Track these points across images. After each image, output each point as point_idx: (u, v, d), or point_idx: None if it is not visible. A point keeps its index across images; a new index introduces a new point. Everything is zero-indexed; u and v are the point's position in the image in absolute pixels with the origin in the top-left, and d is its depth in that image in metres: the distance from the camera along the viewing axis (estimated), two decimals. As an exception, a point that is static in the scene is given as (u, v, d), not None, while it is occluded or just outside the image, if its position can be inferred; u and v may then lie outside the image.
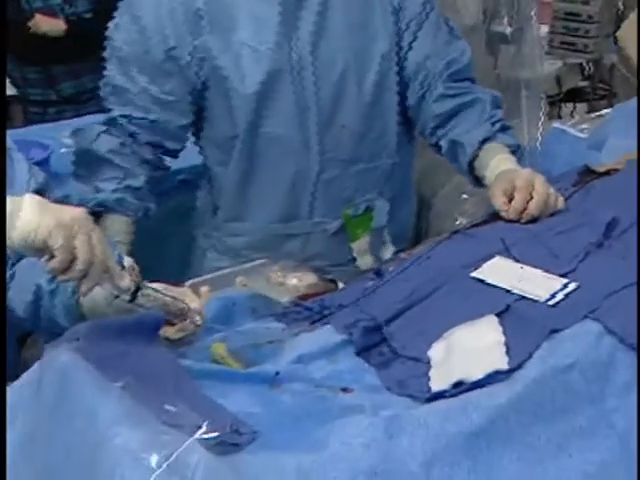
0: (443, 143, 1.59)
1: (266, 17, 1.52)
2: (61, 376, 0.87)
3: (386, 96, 1.60)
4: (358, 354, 1.07)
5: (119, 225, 1.55)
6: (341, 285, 1.39)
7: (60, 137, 2.13)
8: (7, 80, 3.30)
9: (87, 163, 1.57)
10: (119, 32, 1.56)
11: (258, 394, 0.96)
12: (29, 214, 0.93)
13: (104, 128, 1.58)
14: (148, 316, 1.00)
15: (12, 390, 0.93)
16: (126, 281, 0.99)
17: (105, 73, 1.59)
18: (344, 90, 1.57)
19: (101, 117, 1.61)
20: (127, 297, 0.99)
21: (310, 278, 1.44)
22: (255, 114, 1.54)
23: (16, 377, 1.07)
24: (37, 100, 3.29)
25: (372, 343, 1.08)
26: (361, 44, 1.57)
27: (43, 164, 1.85)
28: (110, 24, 1.58)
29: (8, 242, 0.93)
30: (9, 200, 0.94)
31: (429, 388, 0.98)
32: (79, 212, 0.96)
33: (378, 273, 1.29)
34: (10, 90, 3.27)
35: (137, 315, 1.02)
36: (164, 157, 1.63)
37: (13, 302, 1.18)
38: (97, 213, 1.52)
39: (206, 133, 1.64)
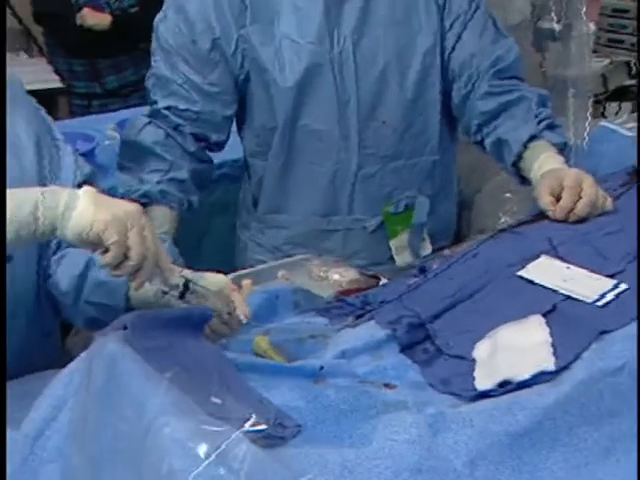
0: (488, 141, 1.57)
1: (309, 10, 1.52)
2: (109, 364, 0.88)
3: (428, 93, 1.59)
4: (402, 350, 1.07)
5: (163, 217, 1.55)
6: (383, 281, 1.39)
7: (105, 129, 2.17)
8: (54, 73, 3.36)
9: (132, 155, 1.58)
10: (165, 23, 1.57)
11: (302, 388, 0.96)
12: (85, 208, 0.93)
13: (148, 120, 1.59)
14: (196, 309, 1.01)
15: (60, 377, 0.95)
16: (176, 277, 0.99)
17: (152, 65, 1.60)
18: (385, 86, 1.56)
19: (146, 109, 1.62)
20: (176, 294, 0.99)
21: (352, 273, 1.44)
22: (294, 107, 1.54)
23: (61, 365, 1.10)
24: (82, 93, 3.34)
25: (416, 340, 1.08)
26: (404, 40, 1.56)
27: (88, 156, 1.87)
28: (157, 16, 1.59)
29: (59, 234, 0.94)
30: (60, 192, 0.94)
31: (474, 387, 0.98)
32: (133, 207, 0.96)
33: (422, 270, 1.29)
34: (56, 83, 3.32)
35: (185, 307, 1.02)
36: (208, 150, 1.64)
37: (59, 277, 1.19)
38: (142, 204, 1.54)
39: (247, 124, 1.65)
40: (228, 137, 1.66)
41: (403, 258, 1.66)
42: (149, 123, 1.58)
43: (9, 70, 1.23)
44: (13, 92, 1.23)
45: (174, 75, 1.56)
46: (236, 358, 1.01)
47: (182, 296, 0.99)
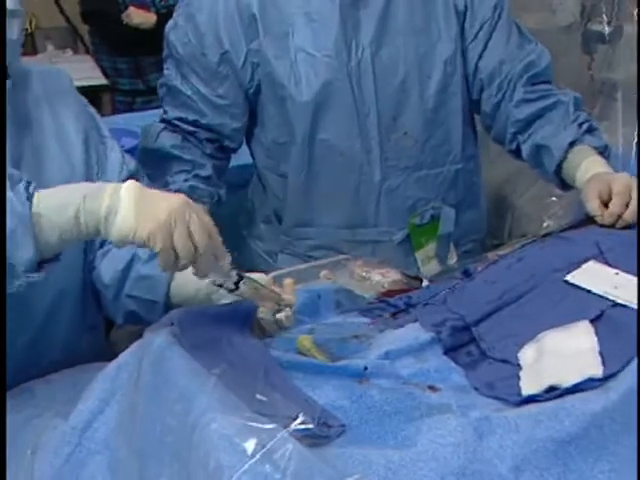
0: (525, 148, 1.55)
1: (324, 22, 1.49)
2: (157, 360, 0.89)
3: (449, 102, 1.57)
4: (445, 353, 1.06)
5: None
6: (425, 283, 1.37)
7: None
8: (99, 70, 3.41)
9: (153, 162, 1.58)
10: (176, 32, 1.55)
11: (346, 388, 0.96)
12: (127, 213, 0.91)
13: (163, 126, 1.59)
14: (242, 305, 1.00)
15: (108, 371, 0.96)
16: (230, 269, 0.98)
17: (164, 73, 1.60)
18: (405, 96, 1.53)
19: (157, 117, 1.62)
20: (231, 286, 0.98)
21: (394, 274, 1.42)
22: (312, 122, 1.52)
23: (105, 358, 1.12)
24: (126, 90, 3.39)
25: (460, 343, 1.07)
26: (423, 49, 1.53)
27: (132, 152, 1.87)
28: (168, 24, 1.58)
29: (103, 233, 0.93)
30: (102, 195, 0.92)
31: (519, 391, 0.96)
32: (177, 201, 0.93)
33: (465, 272, 1.28)
34: (101, 80, 3.37)
35: (229, 303, 1.02)
36: (222, 151, 1.63)
37: (103, 270, 1.21)
38: None
39: (257, 137, 1.63)
40: (241, 144, 1.65)
41: (429, 269, 1.64)
42: (164, 129, 1.58)
43: (58, 66, 1.24)
44: (63, 87, 1.26)
45: (184, 86, 1.56)
46: (280, 356, 1.02)
47: (236, 287, 0.98)
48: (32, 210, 0.90)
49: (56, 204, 0.92)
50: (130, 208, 0.91)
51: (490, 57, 1.56)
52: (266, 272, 1.38)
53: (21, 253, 0.90)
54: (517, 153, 1.59)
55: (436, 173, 1.60)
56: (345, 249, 1.59)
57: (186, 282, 1.12)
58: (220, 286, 0.98)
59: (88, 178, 1.21)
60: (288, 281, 1.18)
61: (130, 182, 0.95)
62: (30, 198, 0.91)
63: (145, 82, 3.33)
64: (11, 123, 1.12)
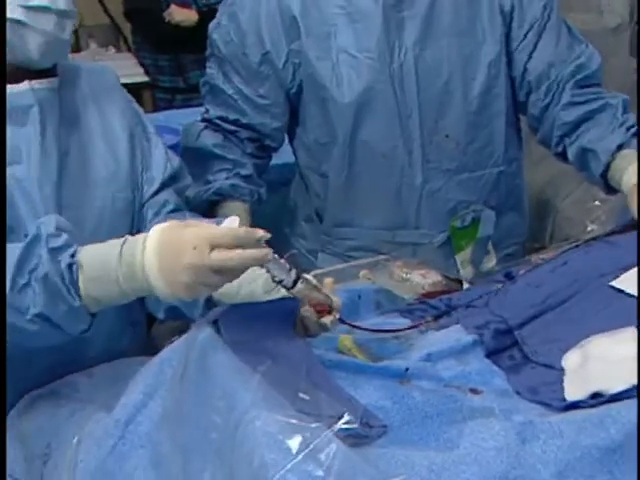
0: (571, 151, 1.51)
1: (367, 23, 1.48)
2: (201, 355, 0.89)
3: (493, 104, 1.55)
4: (488, 356, 1.06)
5: (237, 211, 1.54)
6: (466, 285, 1.38)
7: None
8: (140, 67, 3.44)
9: (194, 161, 1.57)
10: (219, 31, 1.56)
11: (388, 388, 0.96)
12: (157, 285, 0.93)
13: (204, 125, 1.59)
14: (285, 303, 1.01)
15: (151, 366, 0.96)
16: (290, 268, 0.98)
17: (206, 71, 1.61)
18: (448, 98, 1.52)
19: (198, 115, 1.61)
20: (289, 284, 0.98)
21: (434, 276, 1.43)
22: (353, 123, 1.51)
23: (147, 352, 1.12)
24: (166, 87, 3.41)
25: (502, 346, 1.07)
26: (467, 50, 1.51)
27: (174, 149, 1.88)
28: (211, 23, 1.58)
29: (122, 283, 0.94)
30: (134, 270, 0.93)
31: (563, 397, 0.96)
32: (199, 240, 0.91)
33: (507, 275, 1.27)
34: (142, 77, 3.40)
35: (274, 301, 1.03)
36: (263, 150, 1.63)
37: None
38: (213, 203, 1.54)
39: (299, 137, 1.63)
40: (281, 143, 1.64)
41: (469, 271, 1.62)
42: (206, 128, 1.59)
43: (102, 63, 1.25)
44: (109, 84, 1.27)
45: (225, 85, 1.56)
46: (323, 355, 1.01)
47: (294, 285, 0.98)
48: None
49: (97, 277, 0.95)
50: (157, 278, 0.92)
51: (539, 59, 1.53)
52: (307, 271, 1.39)
53: (75, 327, 0.97)
54: (563, 156, 1.56)
55: (478, 176, 1.59)
56: (385, 250, 1.58)
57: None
58: (279, 282, 0.98)
59: (133, 175, 1.22)
60: (328, 280, 1.16)
61: (148, 255, 0.94)
62: (75, 282, 0.94)
63: (185, 80, 3.35)
64: (59, 121, 1.14)
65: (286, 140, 1.67)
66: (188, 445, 0.84)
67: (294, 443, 0.75)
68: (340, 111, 1.51)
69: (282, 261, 0.97)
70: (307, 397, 0.85)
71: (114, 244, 0.96)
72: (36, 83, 1.11)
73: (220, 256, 0.91)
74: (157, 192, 1.25)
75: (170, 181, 1.28)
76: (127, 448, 0.90)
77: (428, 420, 0.91)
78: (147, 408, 0.92)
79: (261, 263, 0.95)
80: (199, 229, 0.94)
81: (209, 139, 1.58)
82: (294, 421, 0.78)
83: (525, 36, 1.54)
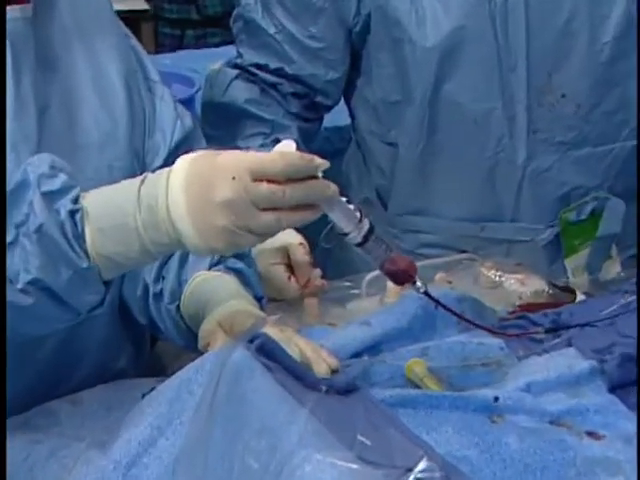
0: None
1: None
2: (233, 379, 0.90)
3: (631, 53, 1.52)
4: (611, 390, 1.05)
5: None
6: (580, 297, 1.39)
7: (206, 69, 2.18)
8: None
9: (220, 120, 1.59)
10: None
11: (473, 430, 0.96)
12: (188, 235, 0.93)
13: (236, 73, 1.60)
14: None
15: (163, 390, 0.97)
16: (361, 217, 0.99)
17: (240, 2, 1.61)
18: (569, 44, 1.51)
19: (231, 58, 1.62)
20: (358, 239, 0.98)
21: (537, 282, 1.44)
22: (436, 76, 1.51)
23: (150, 372, 1.17)
24: (173, 19, 3.32)
25: (631, 377, 1.06)
26: None
27: (187, 104, 1.85)
28: None
29: (143, 234, 0.94)
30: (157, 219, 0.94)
31: None
32: (239, 170, 0.91)
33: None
34: (141, 4, 3.30)
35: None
36: (313, 110, 1.64)
37: (125, 290, 1.25)
38: None
39: (360, 93, 1.64)
40: (337, 101, 1.65)
41: (583, 280, 1.62)
42: (237, 77, 1.60)
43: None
44: (98, 11, 1.23)
45: (265, 20, 1.57)
46: (382, 384, 1.03)
47: (365, 241, 0.99)
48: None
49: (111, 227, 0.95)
50: (189, 227, 0.93)
51: None
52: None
53: (84, 299, 0.97)
54: None
55: (603, 152, 1.57)
56: (469, 249, 1.59)
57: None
58: (345, 235, 0.99)
59: (133, 137, 1.22)
60: (392, 285, 1.17)
61: (176, 172, 0.94)
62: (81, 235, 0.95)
63: (199, 9, 3.27)
64: (32, 64, 1.11)
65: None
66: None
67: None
68: (420, 59, 1.50)
69: (351, 207, 0.97)
70: (367, 441, 0.84)
71: (129, 184, 0.96)
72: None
73: (270, 188, 0.90)
74: (165, 164, 1.22)
75: (181, 146, 1.26)
76: (130, 500, 0.91)
77: (529, 476, 0.90)
78: (156, 447, 0.91)
79: (325, 200, 0.94)
80: (240, 154, 0.94)
81: (241, 93, 1.59)
82: (355, 466, 0.78)
83: None
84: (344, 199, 0.97)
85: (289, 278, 1.40)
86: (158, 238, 0.94)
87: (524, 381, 1.05)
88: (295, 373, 0.94)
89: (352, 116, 1.69)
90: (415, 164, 1.59)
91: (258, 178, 0.90)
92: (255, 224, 0.91)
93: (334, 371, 1.05)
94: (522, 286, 1.40)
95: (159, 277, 1.22)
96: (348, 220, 0.98)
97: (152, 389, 1.01)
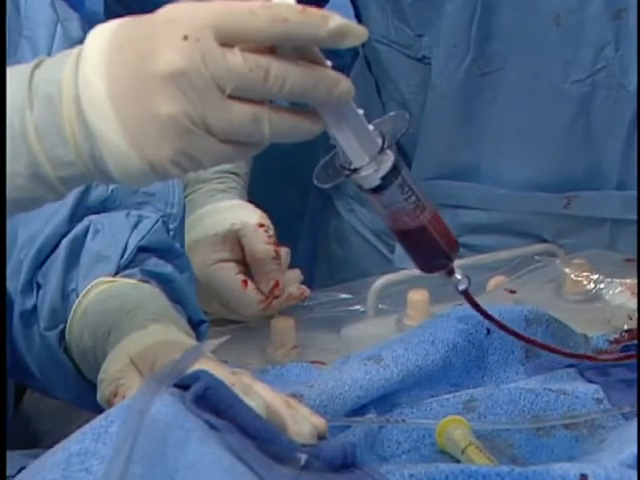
0: None
1: None
2: (156, 446, 0.90)
3: None
4: None
5: None
6: None
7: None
8: None
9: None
10: None
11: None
12: (108, 135, 0.92)
13: None
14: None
15: (45, 465, 0.93)
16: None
17: None
18: None
19: None
20: (376, 180, 1.00)
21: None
22: None
23: (15, 442, 1.23)
24: None
25: None
26: None
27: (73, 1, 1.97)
28: None
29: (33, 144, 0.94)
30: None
31: None
32: (193, 24, 0.90)
33: None
34: None
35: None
36: None
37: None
38: None
39: None
40: None
41: None
42: None
43: None
44: None
45: None
46: (400, 457, 1.10)
47: (385, 184, 1.00)
48: None
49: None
50: (106, 108, 0.92)
51: None
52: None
53: None
54: None
55: None
56: (547, 236, 1.68)
57: None
58: (353, 172, 0.99)
59: None
60: (417, 296, 1.32)
61: (90, 46, 0.94)
62: None
63: None
64: None
65: None
66: None
67: None
68: None
69: (370, 127, 0.97)
70: None
71: (18, 71, 0.96)
72: None
73: (245, 59, 0.88)
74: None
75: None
76: None
77: None
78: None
79: (333, 102, 0.93)
80: (198, 4, 0.91)
81: None
82: None
83: None
84: (361, 112, 0.95)
85: (244, 283, 1.41)
86: (60, 151, 0.93)
87: (631, 451, 1.05)
88: (259, 436, 0.94)
89: (358, 16, 1.73)
90: (458, 92, 1.61)
91: (226, 42, 0.87)
92: (219, 117, 0.89)
93: (321, 436, 1.04)
94: (633, 298, 1.43)
95: (30, 284, 1.24)
96: (363, 146, 0.97)
97: (20, 470, 0.98)
